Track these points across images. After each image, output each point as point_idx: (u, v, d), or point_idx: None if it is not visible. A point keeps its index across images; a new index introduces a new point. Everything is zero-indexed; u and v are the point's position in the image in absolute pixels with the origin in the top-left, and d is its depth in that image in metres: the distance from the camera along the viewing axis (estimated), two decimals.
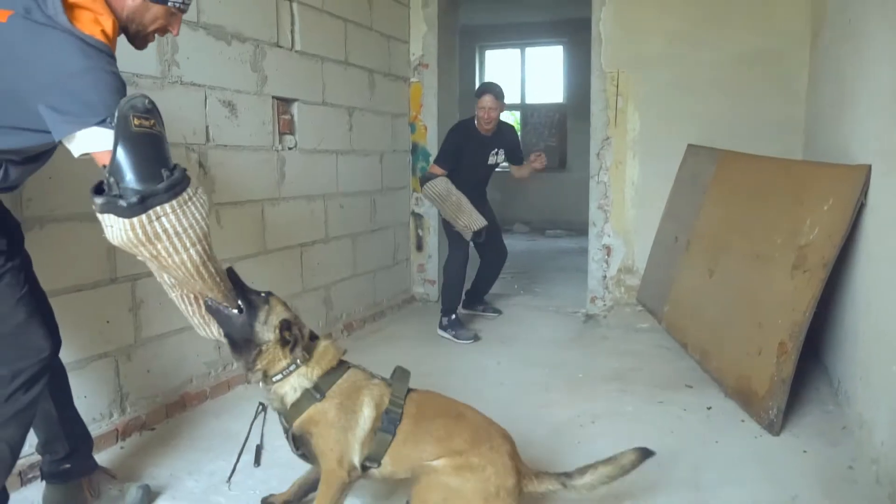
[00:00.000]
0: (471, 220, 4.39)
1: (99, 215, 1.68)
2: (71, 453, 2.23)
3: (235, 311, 1.97)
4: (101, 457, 2.61)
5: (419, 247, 5.61)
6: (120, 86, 1.67)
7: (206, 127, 3.32)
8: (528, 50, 11.02)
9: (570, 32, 9.69)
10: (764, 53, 4.59)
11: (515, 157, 4.92)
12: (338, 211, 4.49)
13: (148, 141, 1.65)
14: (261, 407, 3.07)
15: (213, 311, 1.97)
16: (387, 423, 2.03)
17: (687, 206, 4.47)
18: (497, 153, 4.72)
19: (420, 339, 4.46)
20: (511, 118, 12.51)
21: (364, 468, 2.05)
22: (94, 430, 2.63)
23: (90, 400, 2.72)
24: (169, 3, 1.89)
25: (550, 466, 2.19)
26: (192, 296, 1.94)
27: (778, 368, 2.93)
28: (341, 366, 2.13)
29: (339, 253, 4.54)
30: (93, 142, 1.64)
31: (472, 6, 8.37)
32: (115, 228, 1.66)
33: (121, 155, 1.61)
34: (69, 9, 1.66)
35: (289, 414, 2.06)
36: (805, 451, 2.76)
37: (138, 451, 2.79)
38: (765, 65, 4.60)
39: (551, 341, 4.46)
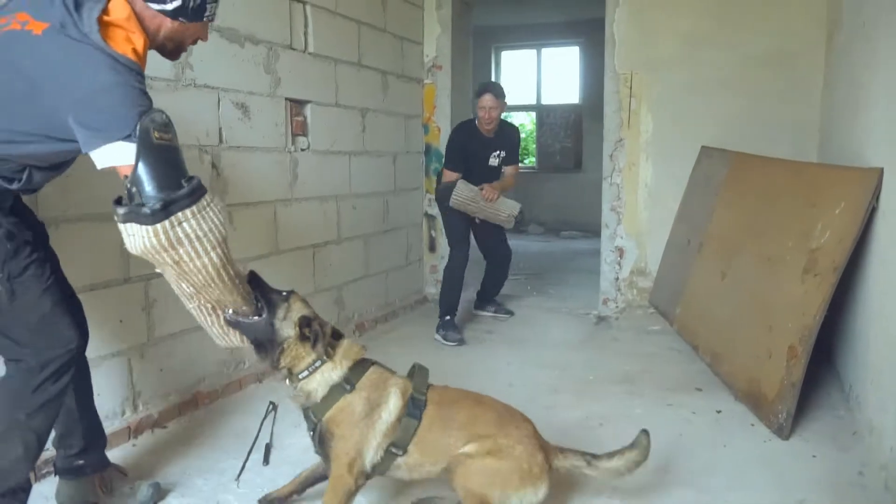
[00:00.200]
0: (508, 208, 4.51)
1: (121, 225, 1.73)
2: (85, 449, 2.28)
3: (255, 317, 2.02)
4: (114, 454, 2.65)
5: (432, 248, 5.63)
6: (147, 102, 1.72)
7: (220, 129, 3.36)
8: (545, 51, 11.01)
9: (587, 33, 9.67)
10: (779, 55, 4.56)
11: (511, 158, 4.78)
12: (350, 212, 4.51)
13: (168, 153, 1.72)
14: (271, 406, 3.13)
15: (233, 324, 2.02)
16: (412, 409, 2.10)
17: (700, 208, 4.46)
18: (499, 155, 4.66)
19: (432, 340, 4.48)
20: (527, 119, 12.53)
21: (390, 457, 2.10)
22: (108, 427, 2.66)
23: (103, 398, 2.76)
24: (205, 18, 1.95)
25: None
26: (209, 306, 1.98)
27: (788, 372, 2.92)
28: (365, 361, 2.19)
29: (351, 253, 4.57)
30: (118, 155, 1.69)
31: (488, 7, 8.38)
32: (137, 237, 1.71)
33: (143, 166, 1.67)
34: (104, 27, 1.70)
35: (317, 409, 2.11)
36: (814, 456, 2.75)
37: (150, 448, 2.83)
38: (780, 66, 4.57)
39: (562, 343, 4.46)
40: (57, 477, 2.31)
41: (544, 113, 11.05)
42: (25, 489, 2.03)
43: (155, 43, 1.91)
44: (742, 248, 3.74)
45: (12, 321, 1.91)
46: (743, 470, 2.65)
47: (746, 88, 4.64)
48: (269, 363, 2.12)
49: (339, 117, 4.35)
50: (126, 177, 1.69)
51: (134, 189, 1.68)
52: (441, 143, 5.44)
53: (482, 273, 5.06)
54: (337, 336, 2.18)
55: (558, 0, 8.71)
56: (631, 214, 5.02)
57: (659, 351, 4.21)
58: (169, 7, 1.84)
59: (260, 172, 3.66)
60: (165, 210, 1.68)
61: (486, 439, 2.06)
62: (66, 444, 2.26)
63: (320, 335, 2.07)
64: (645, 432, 2.21)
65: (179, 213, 1.70)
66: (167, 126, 1.71)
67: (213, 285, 1.84)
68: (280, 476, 2.55)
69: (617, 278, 5.09)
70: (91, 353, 2.68)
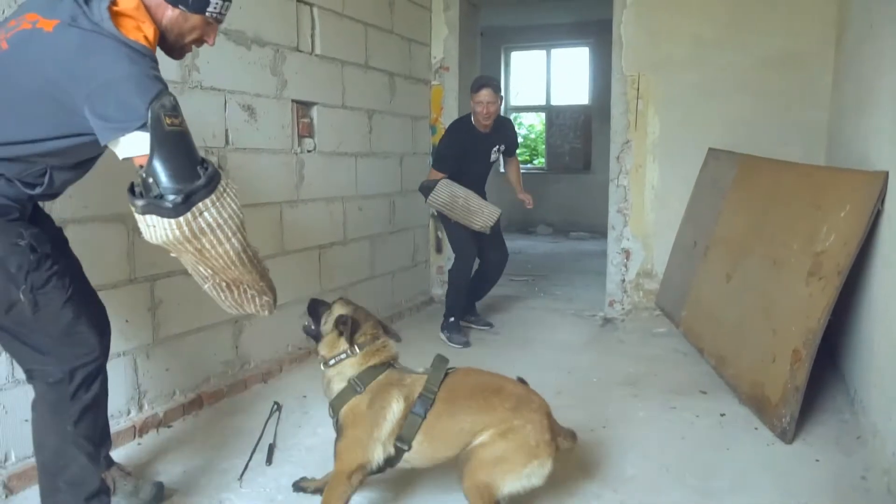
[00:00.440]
0: (484, 218, 4.33)
1: (139, 216, 1.72)
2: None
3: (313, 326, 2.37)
4: (118, 453, 2.68)
5: (438, 249, 5.64)
6: (163, 87, 1.72)
7: (226, 130, 3.38)
8: (554, 51, 10.98)
9: (596, 34, 9.64)
10: (787, 57, 4.54)
11: (511, 150, 4.79)
12: (356, 213, 4.53)
13: (180, 140, 1.71)
14: (275, 406, 3.15)
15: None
16: (418, 407, 2.15)
17: (707, 210, 4.45)
18: (499, 149, 4.62)
19: (438, 341, 4.48)
20: (536, 120, 12.51)
21: (397, 452, 2.16)
22: (113, 426, 2.68)
23: (109, 397, 2.75)
24: (206, 14, 1.94)
25: (559, 469, 2.20)
26: (224, 283, 1.97)
27: (791, 376, 2.91)
28: (385, 366, 2.27)
29: (357, 254, 4.59)
30: (136, 146, 1.68)
31: (497, 8, 8.37)
32: (158, 228, 1.71)
33: (158, 157, 1.66)
34: (114, 16, 1.71)
35: (334, 404, 2.21)
36: (818, 460, 2.74)
37: (155, 447, 2.86)
38: (788, 68, 4.55)
39: (568, 345, 4.46)
40: None
41: (554, 114, 11.03)
42: (105, 491, 2.08)
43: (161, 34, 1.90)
44: (748, 251, 3.73)
45: (34, 331, 1.92)
46: (746, 473, 2.64)
47: (754, 90, 4.62)
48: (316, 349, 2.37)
49: (346, 119, 4.36)
50: (141, 167, 1.69)
51: (150, 180, 1.67)
52: None
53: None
54: (376, 338, 2.32)
55: (567, 1, 8.69)
56: (637, 216, 5.01)
57: (664, 353, 4.20)
58: None
59: (266, 174, 3.68)
60: (187, 202, 1.68)
61: (502, 424, 2.11)
62: None
63: (345, 330, 2.24)
64: None
65: (200, 203, 1.70)
66: (175, 108, 1.70)
67: (233, 267, 1.86)
68: (283, 476, 2.57)
69: (623, 280, 5.08)
70: None
